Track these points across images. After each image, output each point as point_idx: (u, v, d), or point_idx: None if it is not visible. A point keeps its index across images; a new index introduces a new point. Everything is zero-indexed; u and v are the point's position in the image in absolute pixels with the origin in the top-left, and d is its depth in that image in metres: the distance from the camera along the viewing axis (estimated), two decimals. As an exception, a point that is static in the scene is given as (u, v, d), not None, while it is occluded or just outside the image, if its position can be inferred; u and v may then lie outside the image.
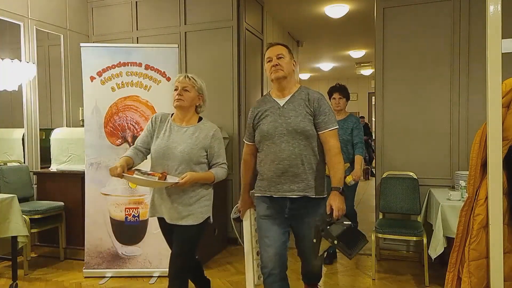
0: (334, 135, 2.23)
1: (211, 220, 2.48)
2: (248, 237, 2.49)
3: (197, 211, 2.37)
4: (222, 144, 2.45)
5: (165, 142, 2.37)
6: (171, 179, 2.28)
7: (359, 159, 3.70)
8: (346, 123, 3.77)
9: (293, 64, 2.32)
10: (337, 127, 2.24)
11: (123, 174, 2.22)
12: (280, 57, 2.25)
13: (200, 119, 2.48)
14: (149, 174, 2.28)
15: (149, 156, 2.49)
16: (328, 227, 2.03)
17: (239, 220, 2.54)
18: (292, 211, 2.23)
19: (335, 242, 1.99)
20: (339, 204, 2.11)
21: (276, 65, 2.23)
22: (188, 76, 2.41)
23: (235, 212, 2.55)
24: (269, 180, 2.24)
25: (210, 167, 2.43)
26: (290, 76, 2.27)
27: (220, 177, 2.42)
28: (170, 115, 2.48)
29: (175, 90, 2.39)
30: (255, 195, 2.35)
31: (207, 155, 2.39)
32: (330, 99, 3.88)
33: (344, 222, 2.08)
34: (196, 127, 2.42)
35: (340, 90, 3.88)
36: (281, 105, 2.27)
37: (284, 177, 2.20)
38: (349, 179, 3.58)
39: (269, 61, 2.28)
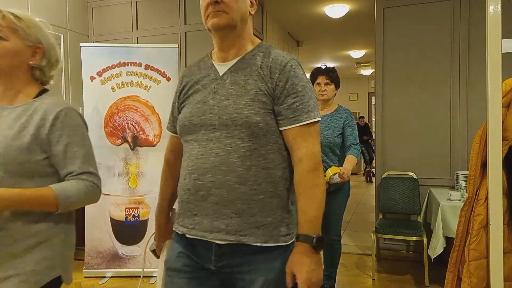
0: (309, 133, 1.22)
1: (70, 279, 1.34)
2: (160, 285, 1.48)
3: (27, 268, 1.23)
4: (82, 138, 1.31)
5: None
6: None
7: (352, 159, 2.70)
8: (335, 120, 2.78)
9: (251, 3, 1.30)
10: (318, 119, 1.25)
11: None
12: None
13: (42, 92, 1.36)
14: None
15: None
16: None
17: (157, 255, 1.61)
18: (223, 260, 1.24)
19: None
20: (309, 273, 1.13)
21: (216, 2, 1.21)
22: (2, 13, 1.26)
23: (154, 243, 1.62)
24: (183, 205, 1.29)
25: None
26: (242, 25, 1.27)
27: (76, 198, 1.24)
28: None
29: None
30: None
31: (49, 157, 1.27)
32: (313, 85, 2.85)
33: None
34: (28, 106, 1.30)
35: (326, 73, 2.83)
36: (221, 74, 1.30)
37: (205, 203, 1.22)
38: (333, 170, 2.52)
39: None
